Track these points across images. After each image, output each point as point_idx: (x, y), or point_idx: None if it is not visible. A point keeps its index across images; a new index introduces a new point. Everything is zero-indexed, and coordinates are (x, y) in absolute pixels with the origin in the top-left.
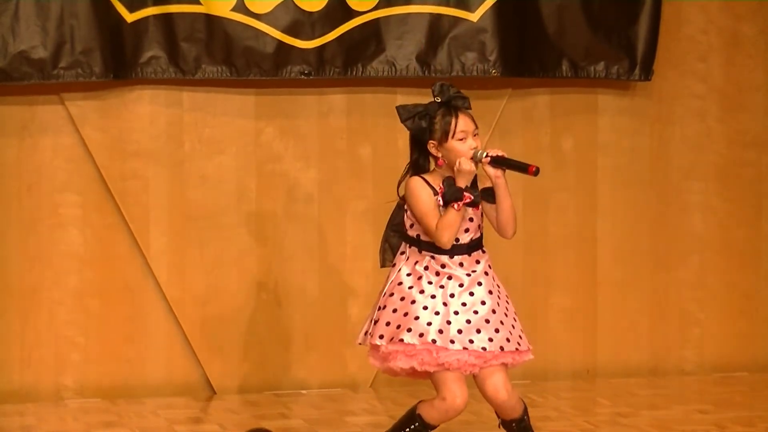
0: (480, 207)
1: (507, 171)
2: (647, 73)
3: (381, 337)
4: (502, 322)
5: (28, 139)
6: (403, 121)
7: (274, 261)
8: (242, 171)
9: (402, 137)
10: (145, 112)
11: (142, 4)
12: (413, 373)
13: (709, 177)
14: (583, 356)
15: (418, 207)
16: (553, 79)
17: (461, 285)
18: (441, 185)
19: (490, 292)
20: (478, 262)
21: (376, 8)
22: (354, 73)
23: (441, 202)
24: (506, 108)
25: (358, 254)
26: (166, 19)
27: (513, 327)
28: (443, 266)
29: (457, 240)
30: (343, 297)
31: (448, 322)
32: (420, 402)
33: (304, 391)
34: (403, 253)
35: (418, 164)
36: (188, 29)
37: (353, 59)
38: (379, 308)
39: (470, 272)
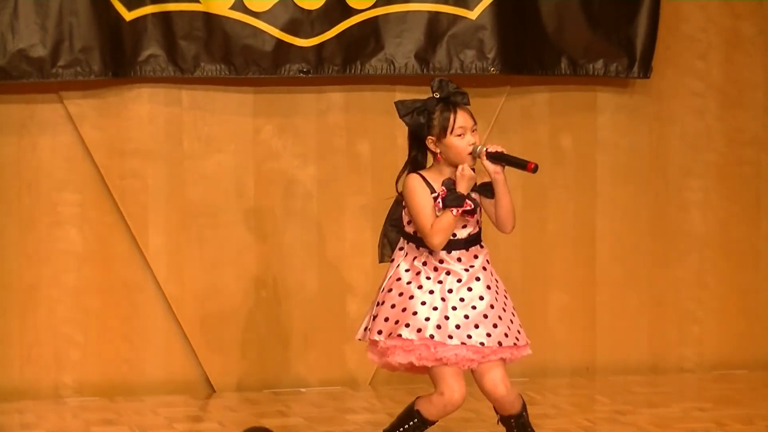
0: (479, 198)
1: (506, 167)
2: (646, 71)
3: (380, 332)
4: (500, 317)
5: (27, 137)
6: (401, 116)
7: (273, 258)
8: (241, 169)
9: (401, 134)
10: (144, 110)
11: (140, 2)
12: (411, 368)
13: (708, 175)
14: (582, 354)
15: (414, 206)
16: (552, 76)
17: (459, 280)
18: (442, 187)
19: (488, 287)
20: (476, 257)
21: (374, 6)
22: (353, 71)
23: (441, 205)
24: (505, 106)
25: (356, 251)
26: (165, 17)
27: (511, 322)
28: (441, 261)
29: (454, 235)
30: (342, 293)
31: (446, 318)
32: (418, 398)
33: (303, 389)
34: (401, 248)
35: (417, 160)
36: (187, 27)
37: (352, 57)
38: (378, 304)
39: (468, 267)
